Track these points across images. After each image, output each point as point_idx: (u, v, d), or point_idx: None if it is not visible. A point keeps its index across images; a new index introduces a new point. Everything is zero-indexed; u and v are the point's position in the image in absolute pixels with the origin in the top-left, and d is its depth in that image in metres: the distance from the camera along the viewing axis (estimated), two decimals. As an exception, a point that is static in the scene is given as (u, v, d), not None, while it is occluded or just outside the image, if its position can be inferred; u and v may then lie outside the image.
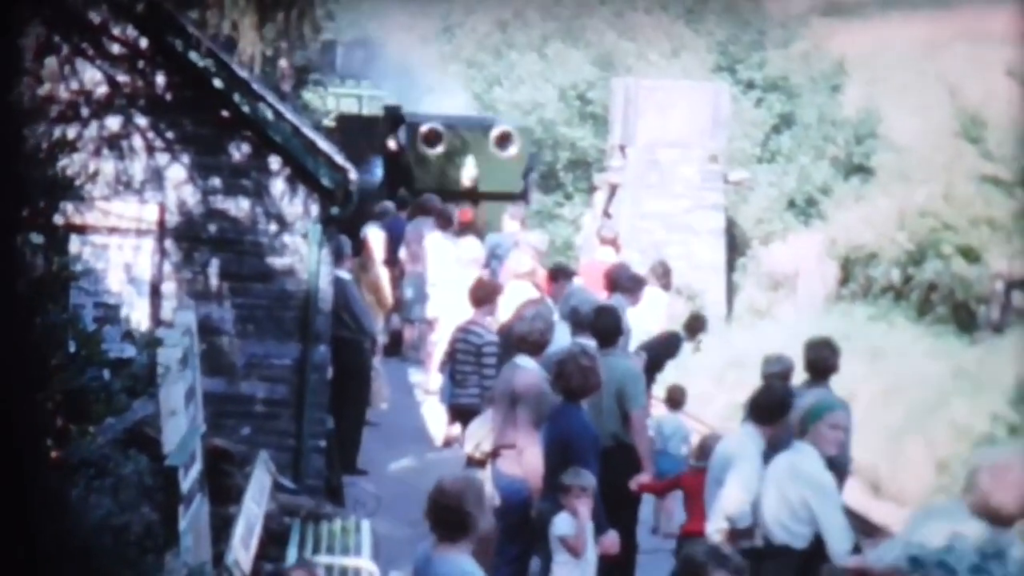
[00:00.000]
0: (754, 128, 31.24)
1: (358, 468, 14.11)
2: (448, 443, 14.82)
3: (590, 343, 11.41)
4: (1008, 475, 6.96)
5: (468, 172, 23.18)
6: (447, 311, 15.66)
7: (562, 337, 11.82)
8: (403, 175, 23.19)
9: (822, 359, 11.32)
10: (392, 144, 23.97)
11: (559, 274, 14.70)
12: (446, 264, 17.08)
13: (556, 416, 10.18)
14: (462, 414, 12.77)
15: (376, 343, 15.39)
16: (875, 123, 31.60)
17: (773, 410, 9.52)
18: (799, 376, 11.41)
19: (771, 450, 9.31)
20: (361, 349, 14.20)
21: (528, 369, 10.83)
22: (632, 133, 28.29)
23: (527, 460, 10.43)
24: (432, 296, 17.47)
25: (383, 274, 16.38)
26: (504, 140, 23.65)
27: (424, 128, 23.55)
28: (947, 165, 26.80)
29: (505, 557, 10.46)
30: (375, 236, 16.45)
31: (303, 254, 12.12)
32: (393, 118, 25.01)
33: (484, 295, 13.30)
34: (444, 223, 18.17)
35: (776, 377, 11.16)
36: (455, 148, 23.48)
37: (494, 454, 10.81)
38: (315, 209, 12.09)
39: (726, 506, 9.22)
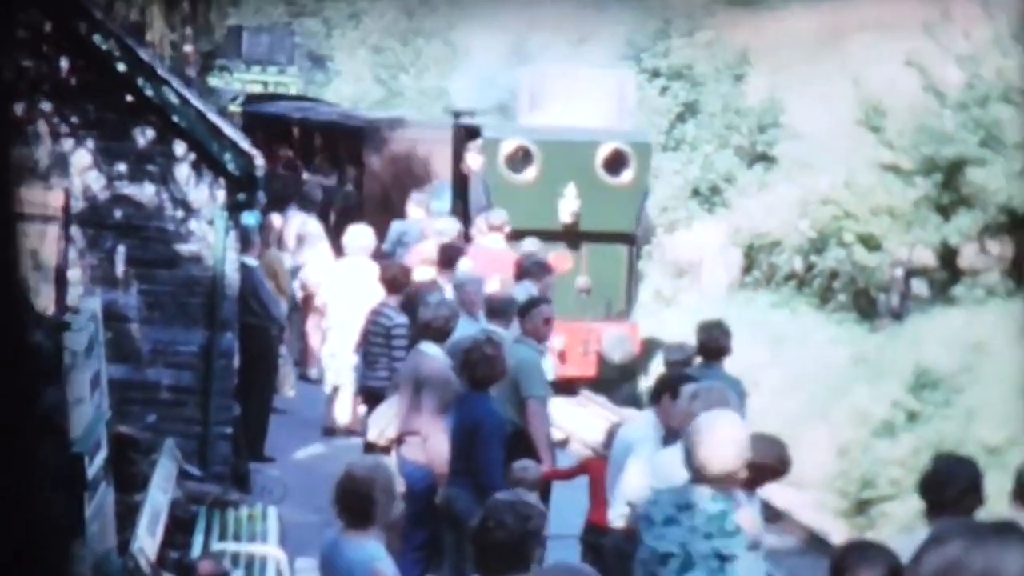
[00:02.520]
0: (659, 116, 31.37)
1: (265, 455, 14.08)
2: (352, 430, 14.82)
3: (500, 330, 11.45)
4: (711, 435, 7.16)
5: (568, 205, 18.52)
6: (336, 298, 15.46)
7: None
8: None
9: (714, 340, 11.51)
10: (466, 165, 19.20)
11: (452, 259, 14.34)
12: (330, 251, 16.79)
13: (463, 403, 10.23)
14: (372, 396, 12.78)
15: (284, 330, 15.33)
16: (778, 112, 31.86)
17: (659, 392, 9.66)
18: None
19: (672, 436, 9.39)
20: (268, 336, 14.17)
21: (433, 356, 10.87)
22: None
23: (432, 447, 10.47)
24: (322, 284, 17.00)
25: (280, 259, 16.24)
26: (615, 162, 19.07)
27: (509, 146, 18.85)
28: (849, 154, 27.08)
29: (411, 543, 10.50)
30: (275, 221, 16.39)
31: (209, 240, 12.08)
32: (465, 131, 19.71)
33: (395, 279, 13.32)
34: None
35: (678, 365, 11.27)
36: (550, 172, 18.66)
37: (399, 441, 10.85)
38: (221, 195, 12.06)
39: (627, 491, 9.30)
